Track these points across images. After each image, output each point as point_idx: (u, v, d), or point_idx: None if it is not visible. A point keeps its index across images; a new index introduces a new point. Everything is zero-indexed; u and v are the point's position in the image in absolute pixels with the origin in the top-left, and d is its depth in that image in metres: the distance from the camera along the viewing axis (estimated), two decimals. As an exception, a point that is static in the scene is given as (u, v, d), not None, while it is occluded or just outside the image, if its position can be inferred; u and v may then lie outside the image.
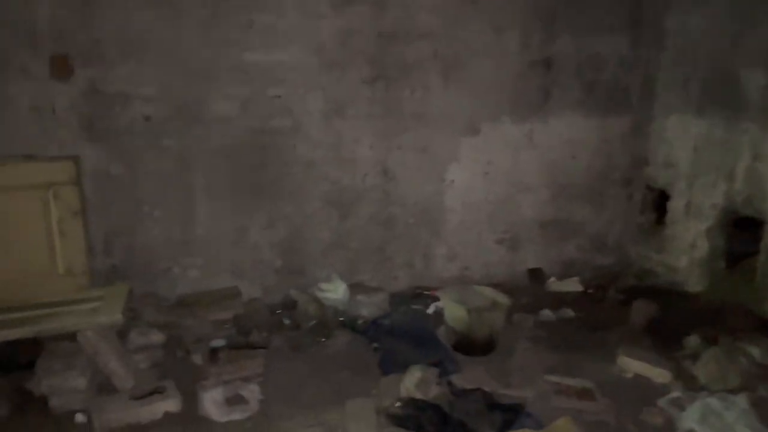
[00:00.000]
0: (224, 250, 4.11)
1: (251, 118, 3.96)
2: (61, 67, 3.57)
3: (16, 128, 3.51)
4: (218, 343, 3.58)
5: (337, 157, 4.22)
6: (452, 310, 3.77)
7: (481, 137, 4.51)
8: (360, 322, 4.00)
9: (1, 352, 3.19)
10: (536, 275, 4.85)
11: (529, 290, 4.64)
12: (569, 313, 4.30)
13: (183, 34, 3.71)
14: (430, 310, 4.27)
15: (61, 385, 2.97)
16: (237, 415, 2.99)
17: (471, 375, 3.37)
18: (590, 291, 4.68)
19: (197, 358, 3.47)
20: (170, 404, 3.00)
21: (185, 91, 3.79)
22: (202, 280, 4.08)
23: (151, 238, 3.93)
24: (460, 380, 3.30)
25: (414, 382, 3.13)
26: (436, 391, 3.12)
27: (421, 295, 4.45)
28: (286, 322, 3.97)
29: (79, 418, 2.93)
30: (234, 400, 3.05)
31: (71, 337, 3.14)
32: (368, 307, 4.11)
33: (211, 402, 3.00)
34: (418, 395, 3.07)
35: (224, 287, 4.10)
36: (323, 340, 3.76)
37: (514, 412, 2.96)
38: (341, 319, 4.03)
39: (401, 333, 3.77)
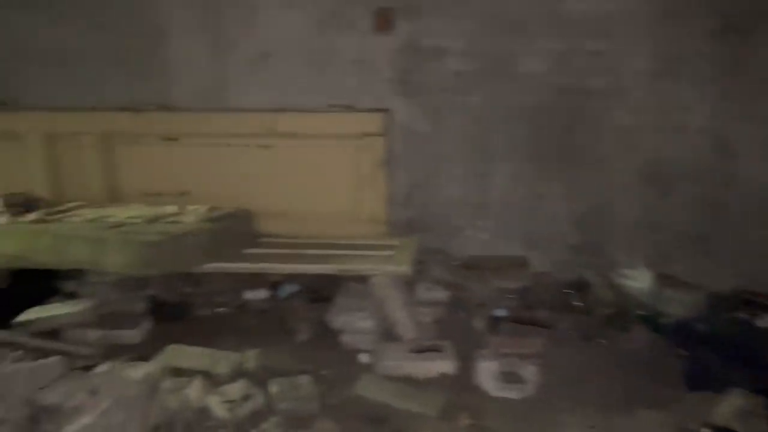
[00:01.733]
0: (518, 217, 3.88)
1: (563, 76, 3.60)
2: (384, 21, 3.70)
3: (339, 80, 3.76)
4: (500, 312, 3.40)
5: (662, 125, 3.59)
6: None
7: None
8: (664, 320, 3.40)
9: (309, 284, 3.53)
10: None
11: None
12: None
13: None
14: (763, 322, 3.41)
15: (351, 323, 3.14)
16: (511, 393, 2.78)
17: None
18: None
19: (478, 324, 3.35)
20: (446, 365, 2.94)
21: (495, 45, 3.61)
22: (492, 245, 3.93)
23: (447, 195, 3.91)
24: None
25: (732, 409, 2.50)
26: (762, 428, 2.44)
27: (751, 302, 3.59)
28: (576, 304, 3.59)
29: (364, 358, 3.06)
30: (510, 377, 2.84)
31: (365, 279, 3.30)
32: (678, 305, 3.46)
33: (487, 373, 2.84)
34: (736, 427, 2.44)
35: (513, 255, 3.89)
36: (618, 332, 3.29)
37: None
38: (641, 312, 3.48)
39: (719, 344, 3.07)
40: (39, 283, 3.43)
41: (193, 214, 3.49)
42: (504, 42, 3.59)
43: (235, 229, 3.47)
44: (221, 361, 2.84)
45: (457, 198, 3.91)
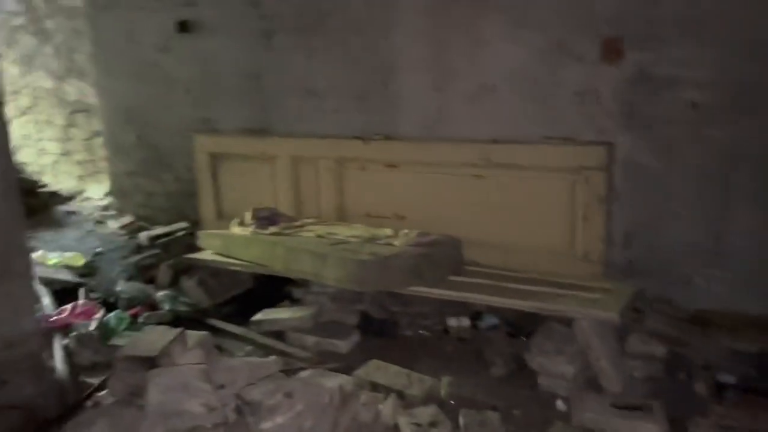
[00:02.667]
0: (762, 270, 3.34)
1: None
2: (613, 51, 3.50)
3: (559, 111, 3.66)
4: (728, 378, 2.95)
5: None
6: None
7: None
8: None
9: (510, 317, 3.48)
10: None
11: None
12: None
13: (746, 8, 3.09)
14: None
15: (550, 366, 3.01)
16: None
17: None
18: None
19: (699, 388, 2.95)
20: (653, 428, 2.64)
21: (743, 74, 3.18)
22: (726, 299, 3.43)
23: (674, 238, 3.53)
24: None
25: None
26: None
27: None
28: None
29: (560, 405, 2.91)
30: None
31: (568, 321, 3.13)
32: None
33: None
34: None
35: (752, 314, 3.35)
36: None
37: None
38: None
39: None
40: (275, 288, 3.93)
41: (404, 238, 3.68)
42: (753, 70, 3.15)
43: (442, 255, 3.57)
44: (416, 383, 2.94)
45: (686, 242, 3.50)
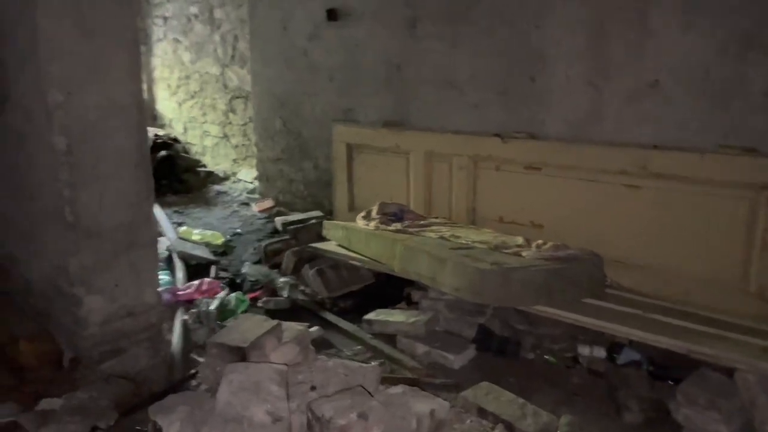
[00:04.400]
0: None
1: None
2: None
3: (741, 115, 3.03)
4: None
5: None
6: None
7: None
8: None
9: (655, 356, 2.95)
10: None
11: None
12: None
13: None
14: None
15: (697, 420, 2.48)
16: None
17: None
18: None
19: None
20: None
21: None
22: None
23: None
24: None
25: None
26: None
27: None
28: None
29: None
30: None
31: (728, 370, 2.57)
32: None
33: None
34: None
35: None
36: None
37: None
38: None
39: None
40: (394, 287, 3.74)
41: (536, 249, 3.29)
42: None
43: (578, 273, 3.13)
44: (531, 416, 2.56)
45: None
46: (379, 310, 3.48)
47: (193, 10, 6.99)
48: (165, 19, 7.47)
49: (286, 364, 2.10)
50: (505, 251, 3.27)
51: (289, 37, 5.15)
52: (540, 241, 3.40)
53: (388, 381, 2.72)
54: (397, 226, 3.74)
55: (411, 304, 3.61)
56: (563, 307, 2.99)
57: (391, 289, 3.76)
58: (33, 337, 2.83)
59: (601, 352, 3.12)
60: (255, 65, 5.65)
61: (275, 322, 2.40)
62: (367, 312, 3.50)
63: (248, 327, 2.34)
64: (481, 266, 2.92)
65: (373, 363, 3.08)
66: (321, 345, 3.26)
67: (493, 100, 3.95)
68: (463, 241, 3.39)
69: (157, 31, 7.61)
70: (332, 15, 4.75)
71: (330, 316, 3.57)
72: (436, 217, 4.05)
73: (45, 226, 2.89)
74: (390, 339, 3.31)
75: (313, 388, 2.24)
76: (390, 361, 3.12)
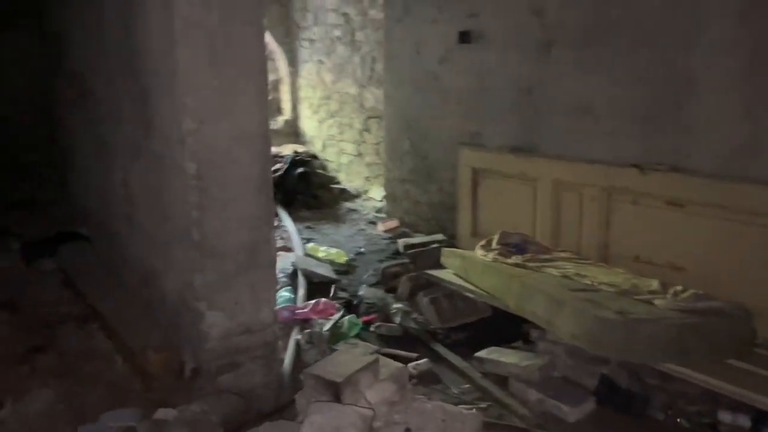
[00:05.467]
0: None
1: None
2: None
3: None
4: None
5: None
6: None
7: None
8: None
9: None
10: None
11: None
12: None
13: None
14: None
15: None
16: None
17: None
18: None
19: None
20: None
21: None
22: None
23: None
24: None
25: None
26: None
27: None
28: None
29: None
30: None
31: None
32: None
33: None
34: None
35: None
36: None
37: None
38: None
39: None
40: (512, 323, 3.55)
41: (674, 297, 2.95)
42: None
43: (722, 329, 2.76)
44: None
45: None
46: (492, 348, 3.32)
47: (337, 32, 7.26)
48: (311, 41, 7.85)
49: (372, 407, 2.04)
50: (636, 297, 2.96)
51: (420, 60, 5.15)
52: (678, 288, 3.05)
53: (492, 429, 2.57)
54: (517, 259, 3.55)
55: (528, 343, 3.41)
56: (699, 369, 2.64)
57: (508, 324, 3.58)
58: (160, 348, 3.04)
59: (745, 421, 2.71)
60: (388, 87, 5.72)
61: (373, 357, 2.35)
62: (480, 347, 3.35)
63: (345, 360, 2.32)
64: (603, 314, 2.66)
65: (479, 405, 2.95)
66: (428, 378, 3.18)
67: (631, 128, 3.63)
68: (588, 282, 3.14)
69: (304, 52, 8.02)
70: (465, 37, 4.67)
71: (440, 349, 3.46)
72: (563, 251, 3.80)
73: (176, 243, 3.10)
74: (501, 380, 3.14)
75: (407, 430, 2.16)
76: (498, 405, 2.95)
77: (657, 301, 2.90)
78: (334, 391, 2.18)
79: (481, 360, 3.25)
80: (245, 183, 2.95)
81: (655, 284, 3.12)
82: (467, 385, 3.14)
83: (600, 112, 3.79)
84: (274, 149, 7.63)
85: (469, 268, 3.65)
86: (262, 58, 2.95)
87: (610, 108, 3.74)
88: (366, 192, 7.01)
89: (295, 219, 5.94)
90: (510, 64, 4.35)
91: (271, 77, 8.71)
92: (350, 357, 2.36)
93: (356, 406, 1.96)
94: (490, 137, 4.56)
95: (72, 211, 5.14)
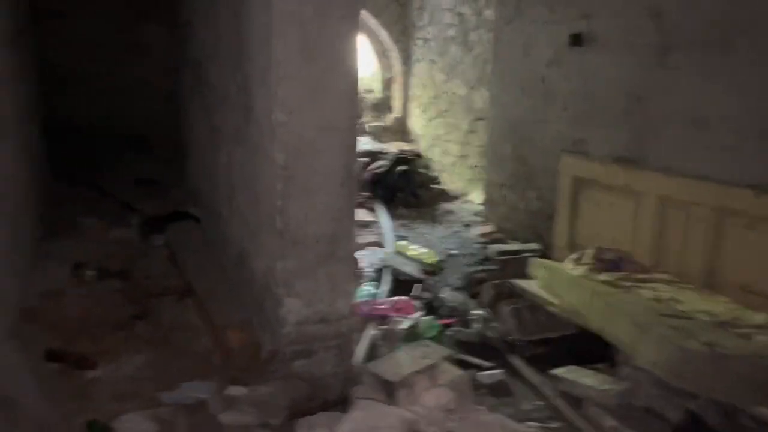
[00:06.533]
0: None
1: None
2: None
3: None
4: None
5: None
6: None
7: None
8: None
9: None
10: None
11: None
12: None
13: None
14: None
15: None
16: None
17: None
18: None
19: None
20: None
21: None
22: None
23: None
24: None
25: None
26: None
27: None
28: None
29: None
30: None
31: None
32: None
33: None
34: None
35: None
36: None
37: None
38: None
39: None
40: (597, 343, 3.35)
41: (780, 335, 2.64)
42: None
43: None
44: None
45: None
46: (571, 367, 3.16)
47: (451, 32, 7.21)
48: (425, 40, 7.86)
49: (426, 411, 2.00)
50: (735, 330, 2.68)
51: (528, 62, 4.99)
52: (788, 325, 2.73)
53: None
54: (609, 276, 3.35)
55: (612, 365, 3.20)
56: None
57: (592, 344, 3.38)
58: (239, 327, 3.19)
59: None
60: (494, 89, 5.60)
61: (432, 361, 2.33)
62: (559, 364, 3.20)
63: (405, 361, 2.31)
64: (687, 344, 2.44)
65: (549, 425, 2.82)
66: (499, 390, 3.09)
67: (751, 145, 3.29)
68: (682, 309, 2.88)
69: (417, 51, 8.05)
70: (576, 40, 4.46)
71: (517, 361, 3.35)
72: (663, 272, 3.53)
73: (264, 228, 3.23)
74: (577, 402, 2.98)
75: (461, 440, 2.12)
76: (570, 427, 2.80)
77: (760, 337, 2.61)
78: (389, 390, 2.19)
79: (557, 378, 3.10)
80: (329, 176, 3.01)
81: (762, 318, 2.81)
82: (540, 402, 3.01)
83: (718, 125, 3.47)
84: (380, 146, 7.77)
85: (555, 281, 3.49)
86: (354, 52, 2.98)
87: (729, 121, 3.41)
88: (466, 194, 6.92)
89: (393, 216, 5.99)
90: (622, 69, 4.09)
91: (384, 75, 8.85)
92: (410, 358, 2.36)
93: (402, 408, 1.94)
94: (595, 145, 4.33)
95: (188, 192, 5.52)
